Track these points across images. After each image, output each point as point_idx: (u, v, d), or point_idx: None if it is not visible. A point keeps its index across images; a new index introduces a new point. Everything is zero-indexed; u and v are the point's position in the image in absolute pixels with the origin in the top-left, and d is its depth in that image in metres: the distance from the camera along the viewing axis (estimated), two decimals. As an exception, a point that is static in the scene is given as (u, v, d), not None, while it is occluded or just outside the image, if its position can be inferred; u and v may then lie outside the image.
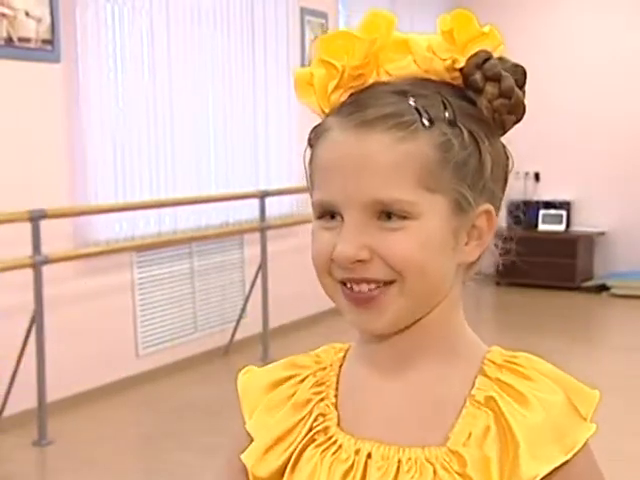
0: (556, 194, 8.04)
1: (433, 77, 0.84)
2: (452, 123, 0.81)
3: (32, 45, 4.40)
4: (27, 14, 4.35)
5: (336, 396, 0.90)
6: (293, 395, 0.91)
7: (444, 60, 0.83)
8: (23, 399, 4.23)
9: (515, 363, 0.86)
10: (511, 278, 7.43)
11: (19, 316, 4.15)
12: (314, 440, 0.88)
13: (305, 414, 0.89)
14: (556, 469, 0.80)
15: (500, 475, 0.80)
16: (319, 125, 0.85)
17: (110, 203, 4.83)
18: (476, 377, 0.85)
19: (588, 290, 7.69)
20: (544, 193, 8.07)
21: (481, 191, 0.84)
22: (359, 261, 0.81)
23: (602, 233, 7.97)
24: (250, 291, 5.76)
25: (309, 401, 0.90)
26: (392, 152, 0.79)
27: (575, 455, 0.81)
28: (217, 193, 5.60)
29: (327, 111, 0.86)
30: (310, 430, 0.88)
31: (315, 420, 0.89)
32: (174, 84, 5.27)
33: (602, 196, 7.92)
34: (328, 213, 0.83)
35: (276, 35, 6.14)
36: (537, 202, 7.93)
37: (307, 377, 0.92)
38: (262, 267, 5.70)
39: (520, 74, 0.84)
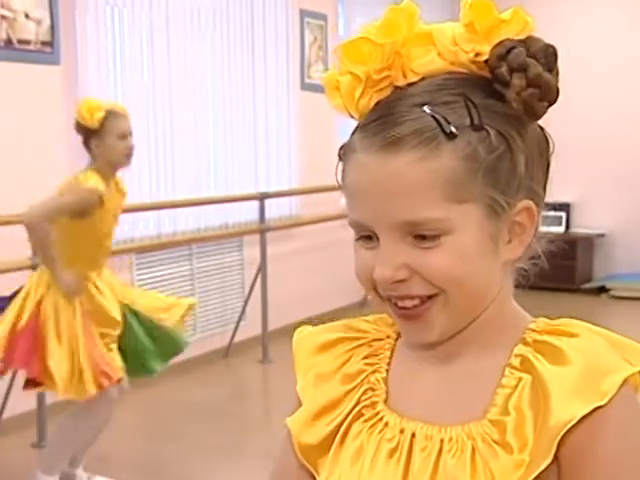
0: (555, 196, 7.95)
1: (459, 69, 0.83)
2: (477, 128, 0.80)
3: (32, 47, 4.40)
4: (27, 16, 4.35)
5: (387, 371, 0.91)
6: (345, 364, 0.92)
7: (467, 52, 0.82)
8: (22, 401, 4.22)
9: (557, 325, 0.86)
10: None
11: (18, 318, 4.14)
12: (362, 414, 0.88)
13: (355, 385, 0.90)
14: (593, 411, 0.77)
15: (535, 431, 0.79)
16: (347, 143, 0.86)
17: (110, 205, 4.82)
18: (516, 346, 0.85)
19: (588, 292, 7.69)
20: (543, 195, 8.06)
21: (517, 190, 0.84)
22: (399, 281, 0.82)
23: (602, 235, 7.97)
24: (250, 293, 5.76)
25: (360, 372, 0.91)
26: (416, 172, 0.79)
27: (614, 397, 0.77)
28: (217, 195, 5.60)
29: (356, 116, 0.86)
30: (357, 403, 0.89)
31: (364, 393, 0.89)
32: (174, 86, 5.27)
33: (602, 198, 7.92)
34: (365, 234, 0.84)
35: (276, 37, 6.14)
36: (536, 204, 7.92)
37: (362, 346, 0.93)
38: (261, 269, 5.70)
39: (551, 55, 0.82)
